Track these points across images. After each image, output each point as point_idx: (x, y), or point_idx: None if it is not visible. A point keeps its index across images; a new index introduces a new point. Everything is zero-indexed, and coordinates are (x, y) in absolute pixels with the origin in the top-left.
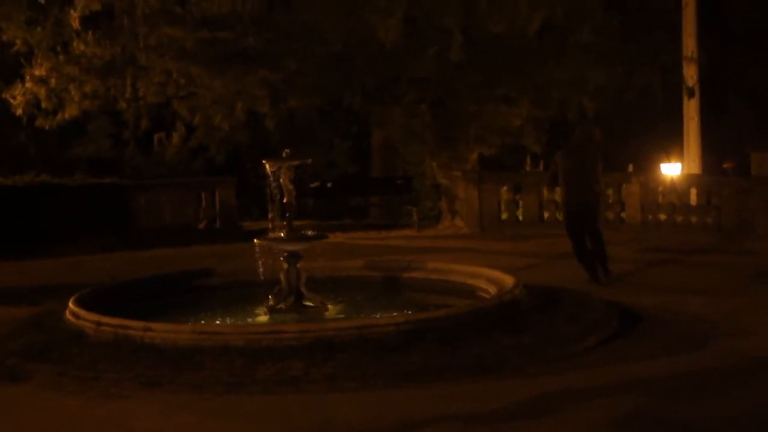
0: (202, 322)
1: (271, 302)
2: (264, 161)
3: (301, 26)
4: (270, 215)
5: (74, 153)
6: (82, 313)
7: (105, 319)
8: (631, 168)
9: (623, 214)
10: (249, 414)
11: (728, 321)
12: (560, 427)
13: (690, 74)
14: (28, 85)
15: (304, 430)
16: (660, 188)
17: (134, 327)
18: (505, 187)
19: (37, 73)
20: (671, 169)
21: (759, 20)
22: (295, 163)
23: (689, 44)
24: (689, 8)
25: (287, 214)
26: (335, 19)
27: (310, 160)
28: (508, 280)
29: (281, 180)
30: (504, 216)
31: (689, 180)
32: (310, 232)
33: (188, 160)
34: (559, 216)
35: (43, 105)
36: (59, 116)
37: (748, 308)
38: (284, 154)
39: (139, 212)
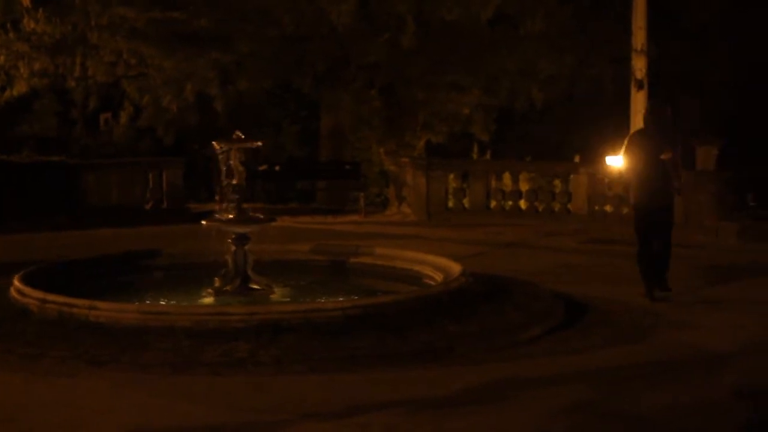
0: (148, 302)
1: (217, 284)
2: (214, 142)
3: (253, 8)
4: (218, 197)
5: (20, 131)
6: (27, 290)
7: (50, 297)
8: (578, 159)
9: (569, 205)
10: (195, 395)
11: (675, 313)
12: (505, 415)
13: (639, 67)
14: None
15: (251, 412)
16: (607, 180)
17: (79, 305)
18: (452, 175)
19: None
20: (618, 161)
21: (708, 15)
22: (246, 145)
23: (639, 37)
24: (640, 1)
25: (236, 196)
26: (288, 1)
27: (260, 142)
28: (455, 268)
29: (231, 162)
30: (451, 204)
31: None
32: (257, 215)
33: (136, 140)
34: (505, 205)
35: None
36: (7, 93)
37: (695, 301)
38: (235, 136)
39: (88, 191)
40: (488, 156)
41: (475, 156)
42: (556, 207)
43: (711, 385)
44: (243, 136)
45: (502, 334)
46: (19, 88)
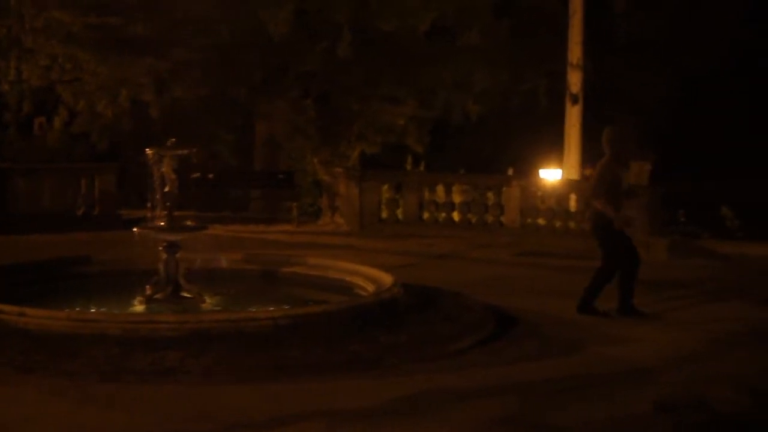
0: (78, 309)
1: (148, 292)
2: (147, 149)
3: (190, 16)
4: (150, 204)
5: None
6: None
7: None
8: (511, 172)
9: (502, 218)
10: (124, 403)
11: (604, 326)
12: (433, 426)
13: (574, 81)
14: None
15: (180, 420)
16: (540, 193)
17: (8, 311)
18: (386, 186)
19: None
20: (551, 175)
21: (643, 31)
22: (179, 152)
23: (575, 51)
24: (577, 16)
25: (168, 204)
26: (225, 9)
27: (194, 150)
28: (387, 279)
29: (164, 169)
30: (384, 214)
31: (569, 185)
32: (190, 223)
33: (69, 145)
34: (438, 216)
35: None
36: None
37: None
38: (168, 143)
39: (18, 196)
40: (422, 168)
41: (409, 167)
42: (489, 219)
43: (636, 398)
44: (176, 144)
45: (433, 345)
46: None
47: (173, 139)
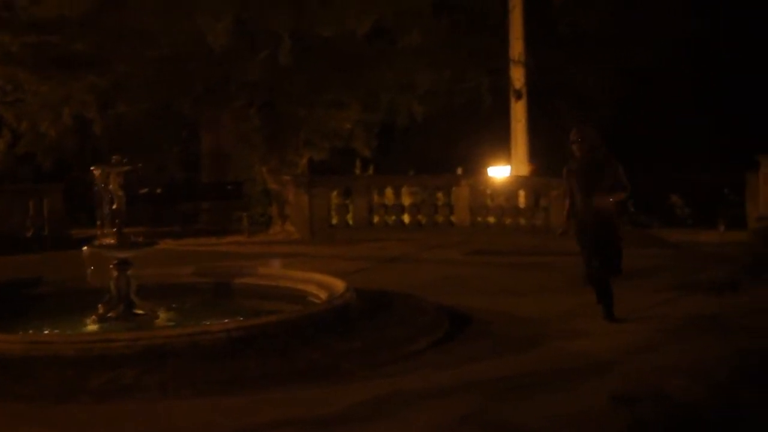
0: (31, 331)
1: (101, 311)
2: (92, 168)
3: (130, 30)
4: (99, 222)
5: None
6: None
7: None
8: (460, 171)
9: (452, 217)
10: (82, 423)
11: (558, 322)
12: (393, 429)
13: (517, 77)
14: None
15: None
16: (489, 191)
17: None
18: (335, 192)
19: None
20: (500, 172)
21: (584, 24)
22: (125, 169)
23: (516, 47)
24: (516, 11)
25: (117, 221)
26: (166, 21)
27: (139, 165)
28: (339, 285)
29: (110, 186)
30: (334, 220)
31: (517, 182)
32: (139, 239)
33: (15, 166)
34: (389, 219)
35: None
36: None
37: (577, 309)
38: (113, 160)
39: None
40: (371, 171)
41: (358, 171)
42: (439, 219)
43: (593, 391)
44: (121, 160)
45: (388, 349)
46: None
47: (117, 156)
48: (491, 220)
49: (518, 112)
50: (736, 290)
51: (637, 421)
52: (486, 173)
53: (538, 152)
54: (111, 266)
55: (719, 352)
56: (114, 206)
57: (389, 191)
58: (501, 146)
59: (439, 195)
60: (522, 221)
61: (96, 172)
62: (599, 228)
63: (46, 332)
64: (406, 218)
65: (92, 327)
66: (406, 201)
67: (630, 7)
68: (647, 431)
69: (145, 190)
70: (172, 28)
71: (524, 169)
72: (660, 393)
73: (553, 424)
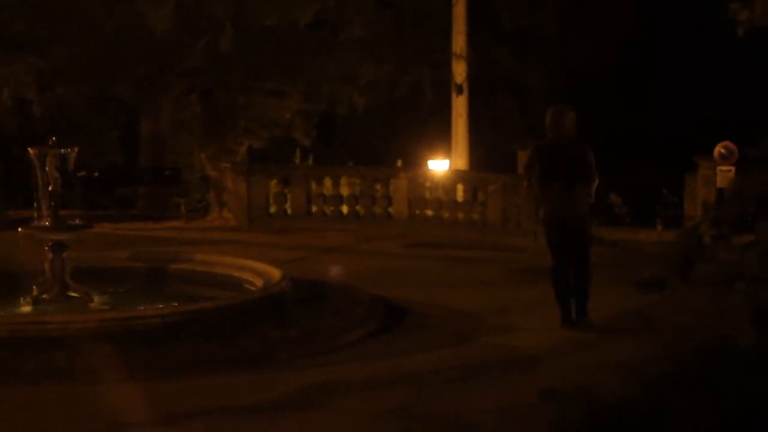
0: None
1: (35, 293)
2: (29, 148)
3: (71, 12)
4: (35, 204)
5: None
6: None
7: None
8: (400, 163)
9: (390, 209)
10: (15, 406)
11: (494, 316)
12: (326, 419)
13: (459, 72)
14: None
15: (70, 421)
16: (427, 184)
17: None
18: (274, 180)
19: None
20: (439, 165)
21: (527, 19)
22: (61, 150)
23: (459, 42)
24: (459, 6)
25: (52, 203)
26: (106, 5)
27: (76, 148)
28: (275, 273)
29: (47, 168)
30: (272, 209)
31: (456, 176)
32: (75, 222)
33: None
34: (327, 210)
35: None
36: None
37: (513, 304)
38: (50, 142)
39: None
40: (311, 161)
41: (297, 161)
42: (378, 211)
43: (523, 386)
44: (58, 142)
45: (323, 339)
46: None
47: (54, 138)
48: (429, 213)
49: (459, 106)
50: (663, 289)
51: (564, 417)
52: (426, 166)
53: (478, 147)
54: (46, 248)
55: (649, 351)
56: (50, 188)
57: (328, 181)
58: (441, 140)
59: (378, 187)
60: (460, 215)
61: (32, 152)
62: (576, 221)
63: None
64: (344, 209)
65: (26, 309)
66: (345, 192)
67: (572, 5)
68: (574, 427)
69: (82, 173)
70: (113, 12)
71: (463, 164)
72: (589, 390)
73: (483, 417)
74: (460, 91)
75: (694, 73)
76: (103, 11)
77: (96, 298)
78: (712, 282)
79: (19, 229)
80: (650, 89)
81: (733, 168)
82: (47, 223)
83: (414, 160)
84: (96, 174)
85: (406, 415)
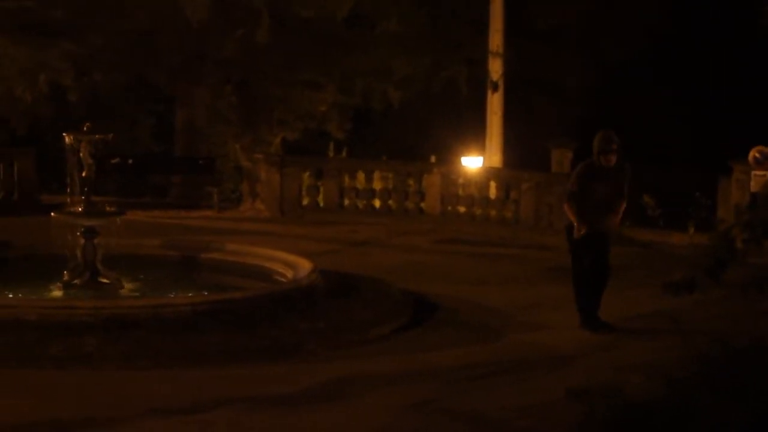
0: None
1: (66, 277)
2: (64, 134)
3: (107, 0)
4: (68, 189)
5: None
6: None
7: None
8: (433, 159)
9: (423, 204)
10: (41, 389)
11: (522, 314)
12: (351, 411)
13: (495, 69)
14: None
15: (96, 406)
16: (460, 180)
17: None
18: (307, 172)
19: None
20: (473, 162)
21: (562, 17)
22: (96, 137)
23: (495, 39)
24: (496, 2)
25: (85, 189)
26: None
27: (111, 135)
28: (306, 265)
29: (81, 154)
30: (305, 201)
31: (489, 173)
32: (108, 208)
33: None
34: (359, 203)
35: None
36: None
37: (543, 302)
38: (85, 128)
39: None
40: (344, 154)
41: (331, 154)
42: (410, 206)
43: (551, 384)
44: (93, 129)
45: (351, 332)
46: None
47: (89, 124)
48: (461, 209)
49: (495, 104)
50: (693, 291)
51: (591, 415)
52: (459, 163)
53: (511, 144)
54: (78, 233)
55: (678, 353)
56: (83, 174)
57: (361, 175)
58: (476, 136)
59: (411, 182)
60: (492, 212)
61: (67, 138)
62: (603, 240)
63: (10, 296)
64: (376, 203)
65: (57, 293)
66: (378, 186)
67: (610, 1)
68: (600, 426)
69: (116, 160)
70: (149, 2)
71: (497, 161)
72: (616, 389)
73: (508, 414)
74: (495, 89)
75: (732, 75)
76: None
77: (126, 285)
78: (744, 285)
79: (52, 214)
80: (686, 88)
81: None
82: (80, 208)
83: (447, 156)
84: (130, 161)
85: (432, 410)
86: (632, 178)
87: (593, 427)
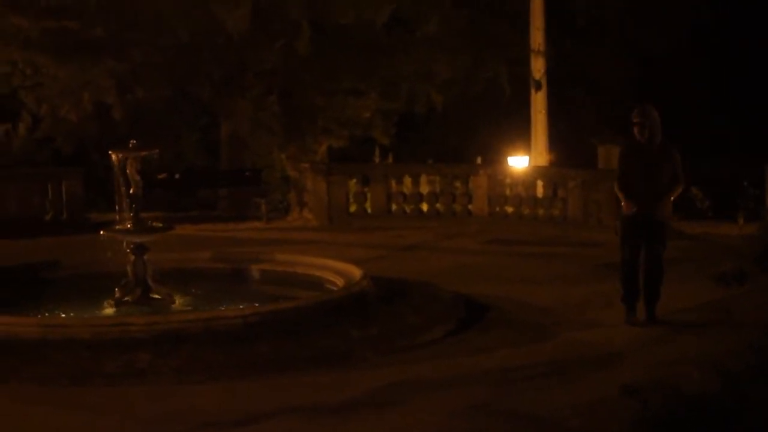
0: (47, 314)
1: (117, 295)
2: (110, 152)
3: (147, 16)
4: (117, 207)
5: None
6: None
7: None
8: (479, 160)
9: (470, 206)
10: (95, 406)
11: (573, 312)
12: (405, 417)
13: (537, 67)
14: None
15: (151, 421)
16: (507, 180)
17: None
18: (353, 179)
19: None
20: (519, 162)
21: (602, 14)
22: (142, 153)
23: (537, 37)
24: (536, 1)
25: (133, 206)
26: (182, 9)
27: (156, 150)
28: (356, 272)
29: (128, 171)
30: (352, 208)
31: (536, 172)
32: (157, 224)
33: (34, 150)
34: (407, 208)
35: None
36: None
37: (594, 300)
38: (131, 145)
39: None
40: (390, 160)
41: (377, 160)
42: (457, 209)
43: (604, 382)
44: (138, 145)
45: (403, 337)
46: None
47: (135, 141)
48: (509, 209)
49: (538, 102)
50: (743, 283)
51: (646, 411)
52: (505, 163)
53: (556, 142)
54: (128, 250)
55: (731, 345)
56: (131, 191)
57: (407, 179)
58: (521, 136)
59: (458, 184)
60: (540, 211)
61: (113, 156)
62: (653, 227)
63: (62, 315)
64: (424, 207)
65: (108, 311)
66: (425, 189)
67: None
68: (657, 422)
69: (163, 176)
70: (188, 16)
71: (543, 160)
72: (671, 385)
73: (562, 414)
74: (539, 87)
75: None
76: (178, 14)
77: (178, 300)
78: None
79: (101, 232)
80: (728, 76)
81: None
82: (129, 225)
83: (493, 157)
84: (177, 176)
85: (485, 412)
86: (683, 165)
87: (648, 423)
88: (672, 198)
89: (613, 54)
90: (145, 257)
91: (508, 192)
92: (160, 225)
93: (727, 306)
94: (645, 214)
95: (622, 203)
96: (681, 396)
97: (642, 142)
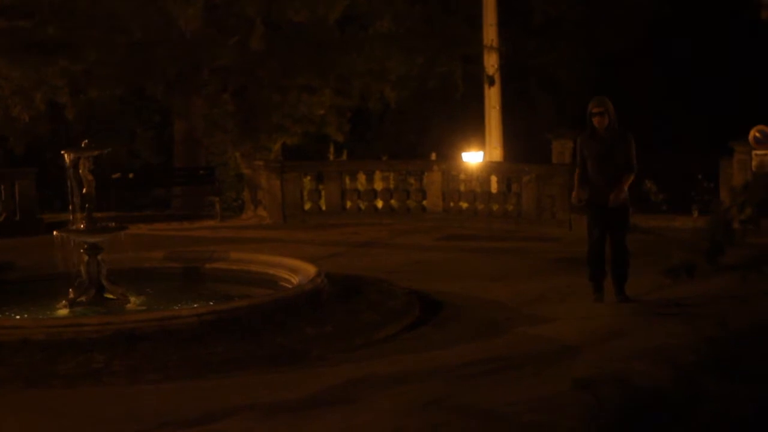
0: (0, 316)
1: (71, 295)
2: (63, 152)
3: (100, 14)
4: (70, 207)
5: None
6: None
7: None
8: (434, 156)
9: (425, 202)
10: (52, 408)
11: (528, 307)
12: (362, 413)
13: (491, 63)
14: None
15: (107, 422)
16: (461, 176)
17: None
18: (308, 177)
19: None
20: (473, 157)
21: (559, 12)
22: (94, 153)
23: (489, 33)
24: None
25: (87, 206)
26: (135, 7)
27: (108, 149)
28: (310, 270)
29: (80, 171)
30: (307, 206)
31: (490, 167)
32: (110, 224)
33: None
34: (361, 205)
35: None
36: None
37: (548, 295)
38: (83, 144)
39: None
40: (345, 156)
41: (331, 157)
42: (412, 205)
43: (558, 376)
44: (91, 145)
45: (359, 334)
46: None
47: (87, 140)
48: (464, 205)
49: (492, 98)
50: (694, 275)
51: (599, 405)
52: (459, 158)
53: (511, 137)
54: (82, 251)
55: (684, 339)
56: (84, 191)
57: (362, 176)
58: (475, 132)
59: (412, 180)
60: (494, 207)
61: (66, 156)
62: (613, 214)
63: (16, 317)
64: (378, 203)
65: (63, 312)
66: (379, 186)
67: None
68: (610, 414)
69: (117, 175)
70: (141, 14)
71: (497, 155)
72: (624, 378)
73: (517, 408)
74: (492, 83)
75: (728, 56)
76: (130, 12)
77: (132, 299)
78: (742, 267)
79: (55, 233)
80: (683, 73)
81: None
82: (82, 226)
83: (448, 153)
84: (131, 175)
85: (441, 408)
86: (635, 150)
87: (602, 416)
88: (625, 186)
89: (570, 51)
90: (99, 257)
91: (462, 188)
92: (114, 225)
93: (679, 299)
94: (602, 202)
95: (572, 192)
96: (634, 389)
97: (600, 132)
